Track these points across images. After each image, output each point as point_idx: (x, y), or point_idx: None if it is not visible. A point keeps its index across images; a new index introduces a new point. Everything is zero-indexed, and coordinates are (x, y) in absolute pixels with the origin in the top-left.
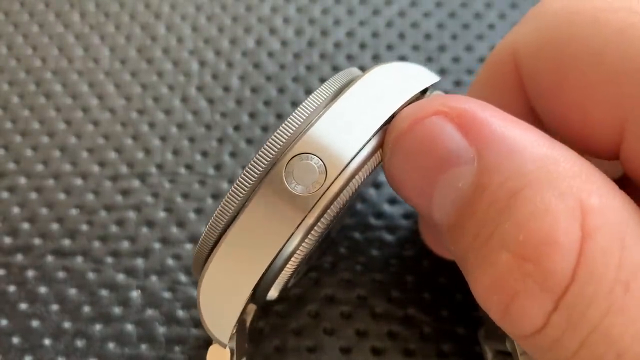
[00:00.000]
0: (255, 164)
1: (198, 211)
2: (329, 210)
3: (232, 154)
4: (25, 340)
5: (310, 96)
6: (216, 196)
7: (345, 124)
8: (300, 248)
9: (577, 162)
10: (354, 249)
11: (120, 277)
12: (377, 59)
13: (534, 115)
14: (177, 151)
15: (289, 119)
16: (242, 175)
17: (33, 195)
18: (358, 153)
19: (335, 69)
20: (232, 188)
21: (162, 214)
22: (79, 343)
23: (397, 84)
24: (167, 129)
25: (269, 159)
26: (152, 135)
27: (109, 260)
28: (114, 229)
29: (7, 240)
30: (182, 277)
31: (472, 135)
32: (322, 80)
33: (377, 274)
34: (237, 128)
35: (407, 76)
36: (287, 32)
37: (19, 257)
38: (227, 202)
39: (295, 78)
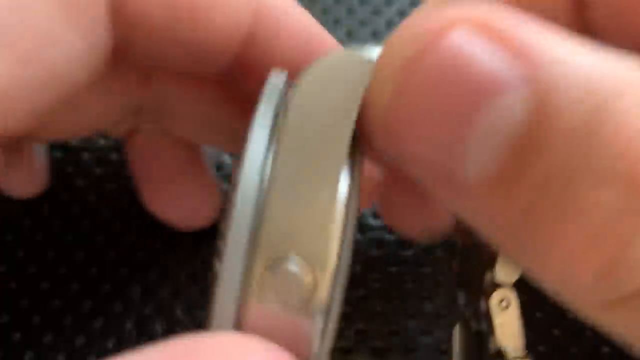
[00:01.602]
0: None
1: None
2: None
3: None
4: (26, 338)
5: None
6: None
7: (299, 198)
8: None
9: None
10: (354, 249)
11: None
12: None
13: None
14: None
15: (231, 216)
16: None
17: None
18: (337, 228)
19: None
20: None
21: None
22: (79, 340)
23: (335, 97)
24: None
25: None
26: None
27: (111, 255)
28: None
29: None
30: (182, 277)
31: (516, 49)
32: None
33: (377, 274)
34: None
35: (341, 79)
36: None
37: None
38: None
39: None
